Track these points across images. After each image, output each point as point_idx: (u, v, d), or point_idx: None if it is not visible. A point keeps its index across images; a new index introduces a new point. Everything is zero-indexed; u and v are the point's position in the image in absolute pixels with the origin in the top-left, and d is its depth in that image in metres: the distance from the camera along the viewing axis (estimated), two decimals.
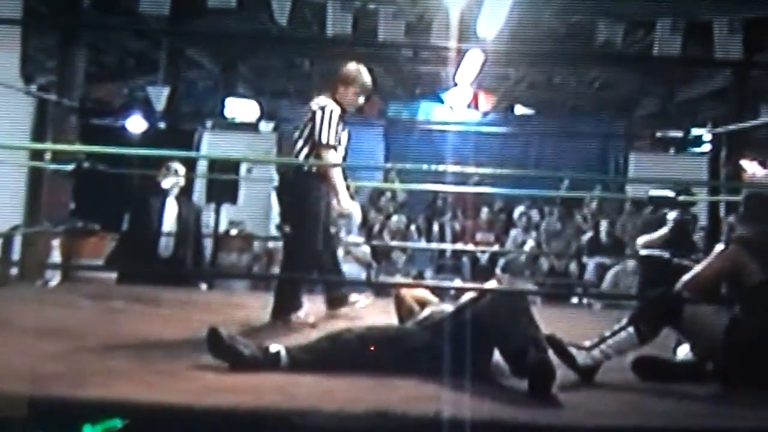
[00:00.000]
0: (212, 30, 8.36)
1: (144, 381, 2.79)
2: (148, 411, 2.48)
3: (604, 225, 9.18)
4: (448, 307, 3.40)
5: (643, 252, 5.83)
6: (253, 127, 10.69)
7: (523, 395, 2.88)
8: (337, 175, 4.24)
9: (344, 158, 4.49)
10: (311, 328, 4.05)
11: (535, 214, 10.62)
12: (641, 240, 5.81)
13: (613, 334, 3.21)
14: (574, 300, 7.70)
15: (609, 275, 7.26)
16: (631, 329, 3.19)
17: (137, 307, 4.52)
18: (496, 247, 9.86)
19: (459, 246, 9.92)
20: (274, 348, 3.11)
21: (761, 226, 3.44)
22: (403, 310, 3.66)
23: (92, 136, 6.92)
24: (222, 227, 8.54)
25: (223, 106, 10.50)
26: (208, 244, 7.54)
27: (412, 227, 10.21)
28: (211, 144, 10.42)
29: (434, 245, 10.04)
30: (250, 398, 2.62)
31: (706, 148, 9.77)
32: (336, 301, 4.50)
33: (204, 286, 6.36)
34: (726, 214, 6.16)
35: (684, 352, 3.47)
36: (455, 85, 11.24)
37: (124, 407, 2.41)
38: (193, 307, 4.60)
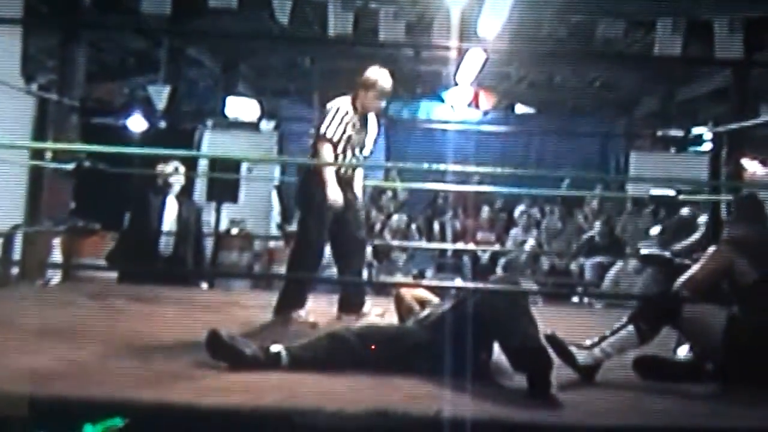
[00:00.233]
0: (213, 29, 8.35)
1: (144, 380, 2.79)
2: (149, 410, 2.48)
3: (602, 224, 9.17)
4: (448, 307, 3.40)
5: (644, 251, 5.83)
6: (253, 127, 10.70)
7: (524, 395, 2.88)
8: (328, 168, 4.28)
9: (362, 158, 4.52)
10: (311, 327, 4.06)
11: (535, 213, 10.62)
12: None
13: (613, 332, 3.22)
14: (575, 299, 7.69)
15: (610, 274, 7.26)
16: (631, 328, 3.20)
17: (138, 307, 4.52)
18: (496, 247, 9.86)
19: (460, 245, 9.91)
20: (275, 348, 3.10)
21: (751, 226, 3.49)
22: (403, 309, 3.67)
23: (93, 136, 6.92)
24: (223, 226, 8.55)
25: (223, 105, 10.50)
26: (209, 243, 7.54)
27: (413, 226, 10.21)
28: (212, 143, 10.43)
29: (435, 244, 10.03)
30: (250, 397, 2.62)
31: (707, 147, 9.80)
32: (351, 307, 4.47)
33: (205, 285, 6.37)
34: (727, 213, 6.16)
35: (684, 351, 3.48)
36: (456, 84, 11.23)
37: (125, 406, 2.42)
38: (193, 306, 4.60)
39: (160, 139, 9.11)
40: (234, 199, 8.02)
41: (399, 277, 7.99)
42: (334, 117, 4.35)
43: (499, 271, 8.85)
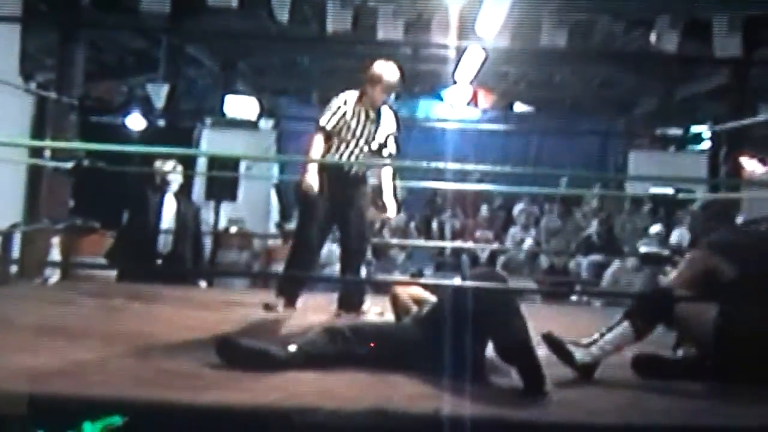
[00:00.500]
0: (212, 28, 8.35)
1: (144, 378, 2.79)
2: (148, 408, 2.48)
3: (601, 223, 9.18)
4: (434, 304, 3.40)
5: (643, 249, 5.84)
6: (252, 125, 10.71)
7: (519, 392, 2.88)
8: (311, 161, 4.35)
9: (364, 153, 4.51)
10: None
11: (534, 211, 10.63)
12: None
13: (609, 330, 3.24)
14: (574, 297, 7.70)
15: (608, 273, 7.26)
16: (626, 324, 3.23)
17: (136, 305, 4.53)
18: (495, 245, 9.86)
19: (458, 243, 9.92)
20: (291, 347, 3.09)
21: (723, 229, 3.70)
22: (399, 308, 3.66)
23: (92, 134, 6.94)
24: (222, 225, 8.55)
25: (222, 104, 10.51)
26: (208, 241, 7.54)
27: (412, 225, 10.21)
28: (211, 141, 10.44)
29: (434, 243, 10.04)
30: (249, 396, 2.63)
31: (706, 145, 9.82)
32: (350, 305, 4.48)
33: (203, 284, 6.37)
34: (700, 220, 6.15)
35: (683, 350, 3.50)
36: (455, 82, 11.24)
37: (124, 405, 2.42)
38: (192, 305, 4.60)
39: (159, 137, 9.13)
40: (233, 197, 8.01)
41: (397, 276, 7.98)
42: (331, 108, 4.42)
43: (497, 269, 8.84)
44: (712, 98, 10.16)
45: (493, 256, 9.29)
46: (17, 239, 5.70)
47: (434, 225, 10.73)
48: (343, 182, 4.43)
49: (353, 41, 7.99)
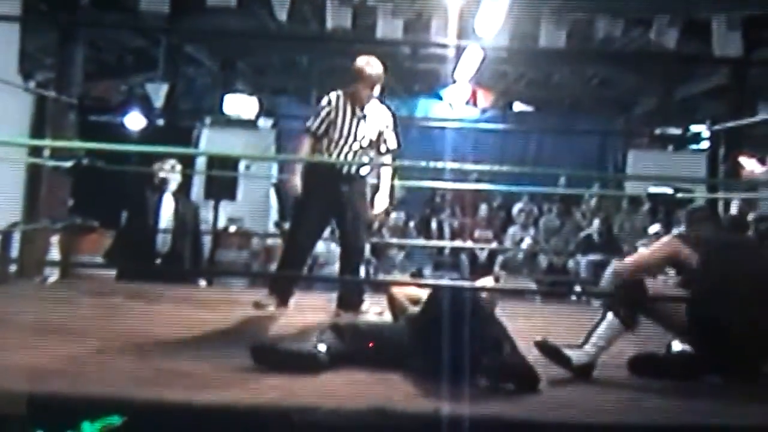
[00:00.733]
0: (211, 27, 8.35)
1: (142, 378, 2.79)
2: (147, 408, 2.48)
3: (600, 222, 9.18)
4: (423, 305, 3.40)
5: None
6: (252, 124, 10.70)
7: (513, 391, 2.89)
8: (296, 161, 4.44)
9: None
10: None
11: (534, 210, 10.62)
12: None
13: (596, 326, 3.27)
14: (573, 297, 7.70)
15: (607, 272, 7.25)
16: (610, 316, 3.25)
17: (136, 304, 4.52)
18: (494, 245, 9.86)
19: (457, 243, 9.92)
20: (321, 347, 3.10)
21: (699, 229, 3.92)
22: (396, 308, 3.66)
23: (91, 133, 6.92)
24: (221, 224, 8.55)
25: (221, 103, 10.50)
26: (207, 240, 7.54)
27: (411, 224, 10.21)
28: (210, 141, 10.43)
29: (433, 242, 10.03)
30: (248, 395, 2.63)
31: (705, 145, 9.81)
32: (350, 305, 4.46)
33: (203, 283, 6.38)
34: (724, 211, 6.16)
35: (678, 347, 3.50)
36: (454, 81, 11.23)
37: (123, 404, 2.42)
38: (192, 304, 4.60)
39: (158, 136, 9.11)
40: (232, 196, 8.01)
41: (396, 275, 7.98)
42: (317, 110, 4.48)
43: (497, 269, 8.85)
44: (711, 98, 10.17)
45: (492, 255, 9.30)
46: (16, 238, 5.70)
47: (433, 224, 10.72)
48: (336, 181, 4.41)
49: (352, 40, 7.98)
